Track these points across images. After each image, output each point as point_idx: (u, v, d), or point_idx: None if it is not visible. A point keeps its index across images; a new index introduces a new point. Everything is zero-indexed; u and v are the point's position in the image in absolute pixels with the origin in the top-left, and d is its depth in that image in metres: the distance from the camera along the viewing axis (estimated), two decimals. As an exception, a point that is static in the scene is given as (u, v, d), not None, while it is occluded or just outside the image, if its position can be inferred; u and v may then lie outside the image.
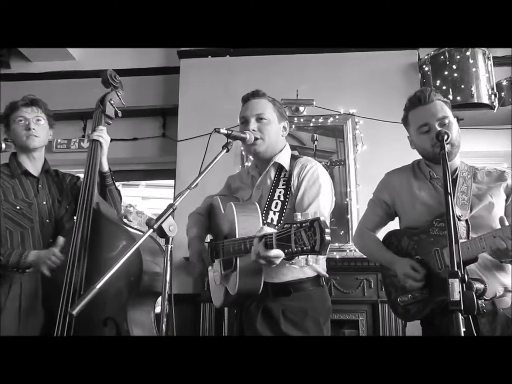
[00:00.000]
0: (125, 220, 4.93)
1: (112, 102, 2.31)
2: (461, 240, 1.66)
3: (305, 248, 1.32)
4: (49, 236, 2.22)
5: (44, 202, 2.25)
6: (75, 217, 2.23)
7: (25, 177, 2.26)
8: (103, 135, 2.24)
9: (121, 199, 2.39)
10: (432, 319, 1.88)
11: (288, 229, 1.38)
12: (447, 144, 1.80)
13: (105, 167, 2.25)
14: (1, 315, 2.05)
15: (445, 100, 1.97)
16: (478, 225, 1.81)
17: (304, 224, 1.33)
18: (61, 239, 2.05)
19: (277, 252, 1.45)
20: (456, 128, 1.91)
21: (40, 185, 2.27)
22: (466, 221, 1.82)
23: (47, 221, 2.23)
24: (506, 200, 1.89)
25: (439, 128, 1.85)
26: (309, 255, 1.35)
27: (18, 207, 2.17)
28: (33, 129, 2.25)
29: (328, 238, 1.28)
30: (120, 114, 2.32)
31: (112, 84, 2.34)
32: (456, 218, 1.70)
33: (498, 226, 1.79)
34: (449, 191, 1.52)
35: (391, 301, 2.03)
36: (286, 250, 1.38)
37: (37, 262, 2.02)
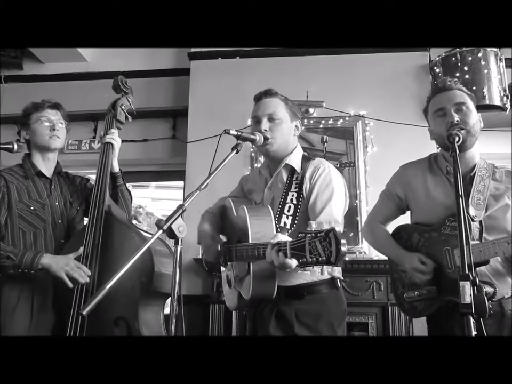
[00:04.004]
0: (134, 221, 4.96)
1: (123, 107, 2.36)
2: (473, 242, 1.67)
3: (320, 259, 1.31)
4: (61, 236, 2.24)
5: (56, 203, 2.27)
6: (85, 219, 2.28)
7: (38, 178, 2.28)
8: (114, 137, 2.30)
9: (131, 199, 2.43)
10: (439, 319, 1.87)
11: (303, 239, 1.37)
12: (462, 130, 1.75)
13: (116, 168, 2.30)
14: (14, 314, 2.08)
15: (468, 92, 1.92)
16: (492, 227, 1.79)
17: (319, 235, 1.32)
18: (80, 250, 2.07)
19: (290, 261, 1.46)
20: (475, 117, 1.86)
21: (52, 187, 2.30)
22: (480, 222, 1.79)
23: (59, 221, 2.26)
24: None
25: (455, 114, 1.81)
26: (324, 266, 1.34)
27: (32, 208, 2.19)
28: (57, 130, 2.30)
29: (343, 249, 1.27)
30: (130, 119, 2.39)
31: (123, 90, 2.40)
32: (468, 220, 1.72)
33: None
34: (460, 193, 1.50)
35: (397, 296, 2.02)
36: (300, 260, 1.37)
37: (52, 266, 2.03)
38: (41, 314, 2.10)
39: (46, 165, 2.32)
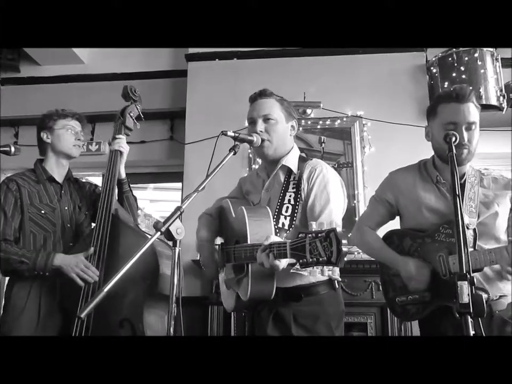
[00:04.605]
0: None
1: (131, 114, 2.44)
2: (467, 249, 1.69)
3: (321, 259, 1.30)
4: (69, 239, 2.30)
5: (66, 208, 2.34)
6: (93, 224, 2.33)
7: (49, 183, 2.35)
8: (123, 144, 2.36)
9: (137, 205, 2.48)
10: (432, 322, 1.89)
11: (303, 239, 1.36)
12: (465, 149, 1.81)
13: (123, 175, 2.37)
14: (21, 315, 2.13)
15: (477, 104, 1.90)
16: (483, 233, 1.82)
17: (319, 235, 1.32)
18: (91, 250, 2.12)
19: (278, 262, 1.47)
20: (478, 134, 1.88)
21: (63, 191, 2.37)
22: (474, 229, 1.81)
23: (68, 225, 2.32)
24: (511, 210, 1.90)
25: (465, 133, 1.82)
26: (325, 266, 1.34)
27: (43, 211, 2.27)
28: (81, 141, 2.45)
29: (345, 249, 1.26)
30: (138, 126, 2.46)
31: (132, 98, 2.48)
32: (462, 223, 1.73)
33: (501, 235, 1.85)
34: (457, 193, 1.51)
35: (388, 299, 2.05)
36: (300, 260, 1.37)
37: (63, 267, 2.09)
38: (48, 316, 2.14)
39: (58, 170, 2.40)
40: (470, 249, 1.73)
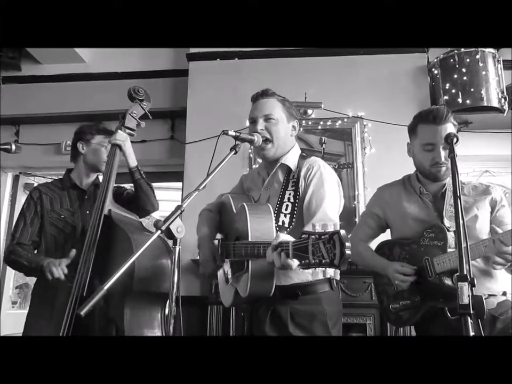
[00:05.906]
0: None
1: (133, 114, 2.44)
2: (450, 250, 1.88)
3: (323, 261, 1.29)
4: None
5: (87, 212, 2.43)
6: None
7: (73, 189, 2.51)
8: (118, 137, 2.33)
9: (153, 191, 2.48)
10: (423, 325, 2.01)
11: (306, 240, 1.35)
12: (443, 167, 1.96)
13: (131, 164, 2.39)
14: (34, 310, 2.28)
15: (455, 122, 2.02)
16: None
17: (323, 236, 1.31)
18: (72, 252, 2.18)
19: (292, 262, 1.45)
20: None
21: (86, 197, 2.50)
22: (455, 231, 1.85)
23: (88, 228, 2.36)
24: (491, 213, 2.02)
25: (442, 152, 1.95)
26: (327, 268, 1.34)
27: (62, 216, 2.41)
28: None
29: (348, 252, 1.24)
30: (143, 125, 2.46)
31: (136, 98, 2.49)
32: (447, 230, 1.92)
33: (484, 237, 1.94)
34: (458, 195, 1.53)
35: (383, 308, 2.16)
36: (303, 261, 1.36)
37: (44, 267, 2.17)
38: (61, 316, 2.13)
39: (84, 178, 2.54)
40: (451, 250, 1.87)
